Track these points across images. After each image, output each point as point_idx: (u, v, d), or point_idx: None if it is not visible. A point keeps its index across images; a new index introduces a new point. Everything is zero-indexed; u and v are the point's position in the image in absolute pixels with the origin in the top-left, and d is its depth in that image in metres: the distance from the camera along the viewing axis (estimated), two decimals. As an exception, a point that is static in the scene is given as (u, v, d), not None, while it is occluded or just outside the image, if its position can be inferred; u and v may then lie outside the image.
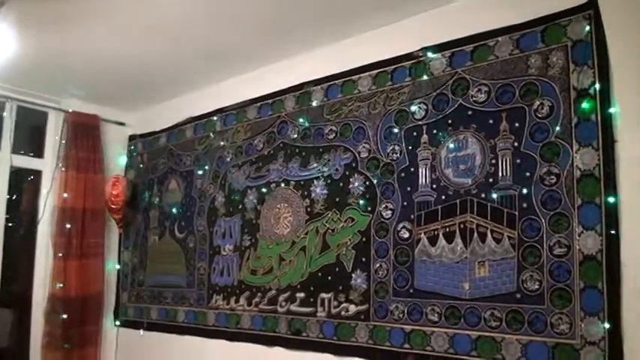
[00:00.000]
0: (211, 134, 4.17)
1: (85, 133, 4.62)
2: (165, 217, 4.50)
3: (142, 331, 4.49)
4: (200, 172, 4.21)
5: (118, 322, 4.78)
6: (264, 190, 3.71)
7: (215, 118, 4.16)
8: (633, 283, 2.21)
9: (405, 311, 2.85)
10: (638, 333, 2.18)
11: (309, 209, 3.41)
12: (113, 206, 4.56)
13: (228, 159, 4.00)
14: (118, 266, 4.86)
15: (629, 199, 2.26)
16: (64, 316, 4.34)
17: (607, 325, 2.22)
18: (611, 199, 2.28)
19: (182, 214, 4.33)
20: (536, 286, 2.43)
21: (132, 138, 4.98)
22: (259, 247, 3.69)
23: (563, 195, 2.40)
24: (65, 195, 4.46)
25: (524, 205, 2.51)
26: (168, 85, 4.32)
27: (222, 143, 4.06)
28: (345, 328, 3.11)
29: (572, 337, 2.31)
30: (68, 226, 4.43)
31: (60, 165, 4.51)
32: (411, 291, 2.85)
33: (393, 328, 2.89)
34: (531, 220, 2.49)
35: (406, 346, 2.83)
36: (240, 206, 3.85)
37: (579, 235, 2.34)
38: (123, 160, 5.00)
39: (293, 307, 3.39)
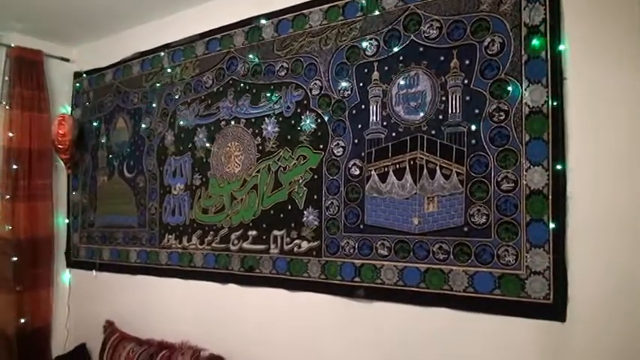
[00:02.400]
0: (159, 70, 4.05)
1: (29, 70, 4.43)
2: (113, 157, 4.40)
3: (94, 272, 4.46)
4: (148, 110, 4.12)
5: (69, 264, 4.73)
6: (213, 128, 3.65)
7: (162, 53, 4.02)
8: (578, 215, 2.28)
9: (356, 246, 2.89)
10: (582, 262, 2.26)
11: (260, 147, 3.38)
12: (60, 146, 4.43)
13: (177, 96, 3.90)
14: (67, 207, 4.78)
15: (575, 135, 2.30)
16: (15, 258, 4.27)
17: (552, 256, 2.30)
18: (558, 135, 2.31)
19: (131, 154, 4.25)
20: (484, 220, 2.49)
21: (77, 75, 4.80)
22: (210, 186, 3.66)
23: (511, 131, 2.43)
24: (11, 134, 4.31)
25: (473, 141, 2.54)
26: (114, 18, 4.13)
27: (170, 80, 3.96)
28: (297, 264, 3.14)
29: (518, 267, 2.38)
30: (15, 167, 4.31)
31: (4, 103, 4.33)
32: (362, 227, 2.88)
33: (344, 263, 2.94)
34: (480, 156, 2.52)
35: (357, 279, 2.88)
36: (190, 145, 3.79)
37: (526, 171, 2.38)
38: (69, 98, 4.83)
39: (246, 245, 3.40)
